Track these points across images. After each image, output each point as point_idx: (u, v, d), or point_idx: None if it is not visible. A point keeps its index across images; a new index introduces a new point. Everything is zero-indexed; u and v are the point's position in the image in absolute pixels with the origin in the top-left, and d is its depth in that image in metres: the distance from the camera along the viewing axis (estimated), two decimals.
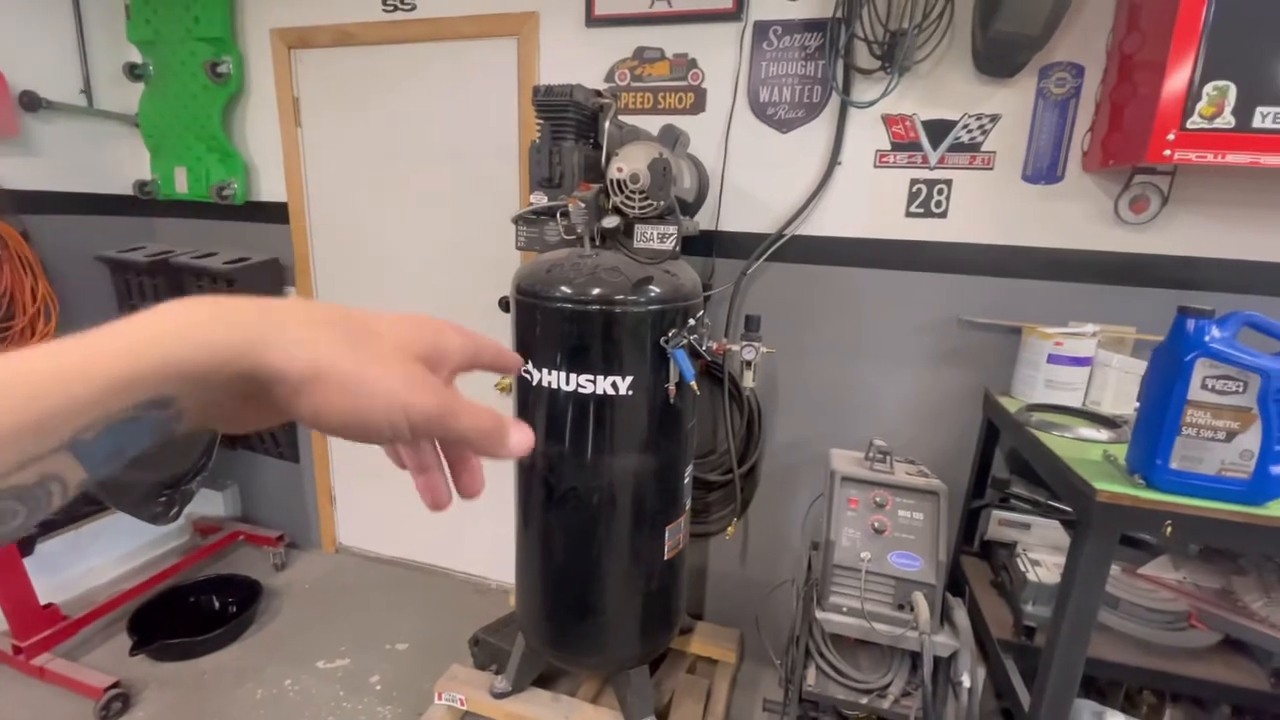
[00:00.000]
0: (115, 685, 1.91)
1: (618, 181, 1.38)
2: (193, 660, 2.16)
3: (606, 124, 1.46)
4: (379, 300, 2.51)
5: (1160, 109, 1.35)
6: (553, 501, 1.62)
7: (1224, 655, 1.37)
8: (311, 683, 2.09)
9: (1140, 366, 1.54)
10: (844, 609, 1.43)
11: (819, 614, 1.44)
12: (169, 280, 2.45)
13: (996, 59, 1.62)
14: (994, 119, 1.70)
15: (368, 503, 2.79)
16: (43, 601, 2.03)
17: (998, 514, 1.71)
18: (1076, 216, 1.69)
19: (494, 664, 1.99)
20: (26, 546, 2.14)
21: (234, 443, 2.75)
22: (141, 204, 2.65)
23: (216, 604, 2.43)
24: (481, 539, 2.61)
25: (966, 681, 1.29)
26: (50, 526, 2.30)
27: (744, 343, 1.59)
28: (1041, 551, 1.57)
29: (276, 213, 2.51)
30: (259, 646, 2.26)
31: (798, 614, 1.64)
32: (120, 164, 2.60)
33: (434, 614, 2.45)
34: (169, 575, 2.42)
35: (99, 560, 2.49)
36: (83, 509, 2.31)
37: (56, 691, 1.95)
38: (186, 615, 2.33)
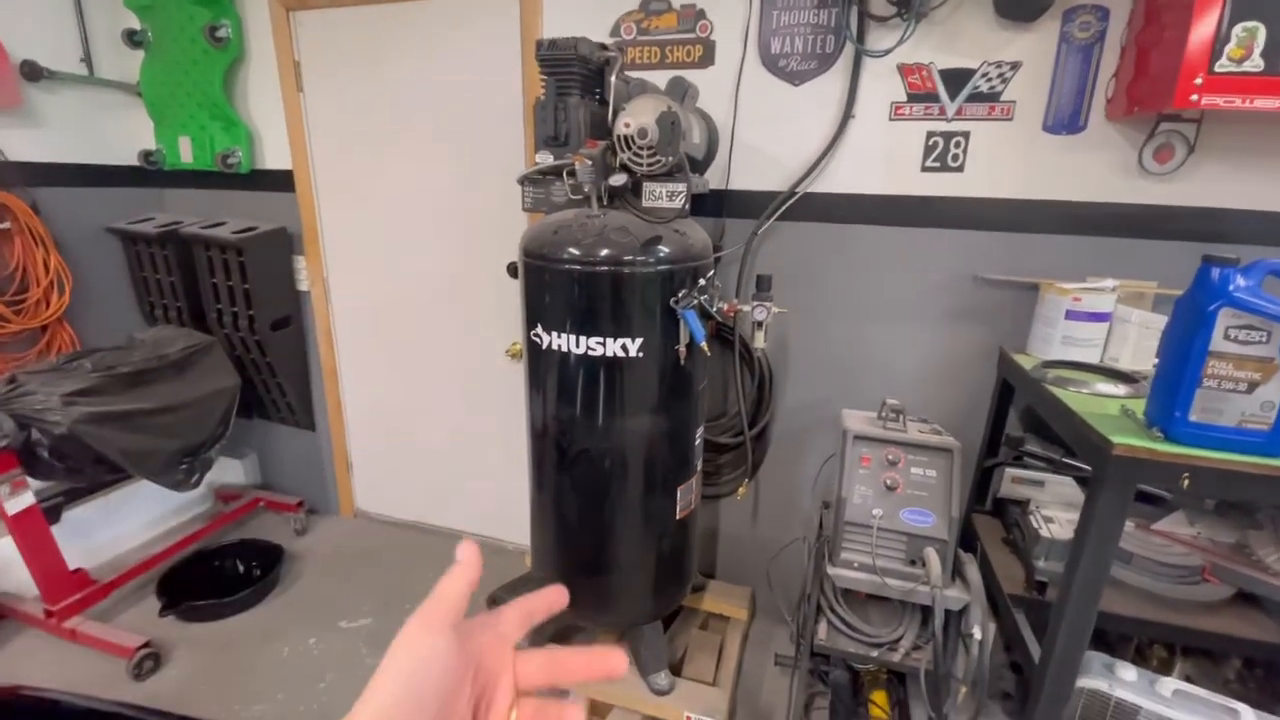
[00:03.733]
0: (146, 645, 1.98)
1: (625, 137, 1.35)
2: (220, 621, 2.23)
3: (612, 78, 1.42)
4: (389, 269, 2.50)
5: (1188, 52, 1.30)
6: (565, 464, 1.63)
7: (1236, 609, 1.37)
8: (335, 641, 2.15)
9: (1160, 322, 1.51)
10: (855, 565, 1.45)
11: (830, 570, 1.45)
12: (179, 251, 2.46)
13: (1018, 2, 1.56)
14: (1014, 67, 1.64)
15: (384, 469, 2.84)
16: (71, 567, 2.09)
17: (1011, 472, 1.70)
18: (1098, 168, 1.64)
19: None
20: (54, 515, 2.20)
21: (250, 412, 2.79)
22: (148, 174, 2.64)
23: (241, 568, 2.49)
24: (497, 501, 2.65)
25: (977, 634, 1.31)
26: (76, 495, 2.36)
27: (755, 303, 1.57)
28: (1054, 508, 1.56)
29: (282, 180, 2.49)
30: (283, 608, 2.32)
31: (809, 571, 1.66)
32: (125, 134, 2.58)
33: None
34: (194, 540, 2.48)
35: (125, 527, 2.56)
36: (107, 477, 2.36)
37: (89, 653, 2.02)
38: (212, 579, 2.40)
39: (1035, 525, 1.49)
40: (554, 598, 0.42)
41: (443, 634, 0.35)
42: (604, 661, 0.40)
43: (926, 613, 1.42)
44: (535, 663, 0.39)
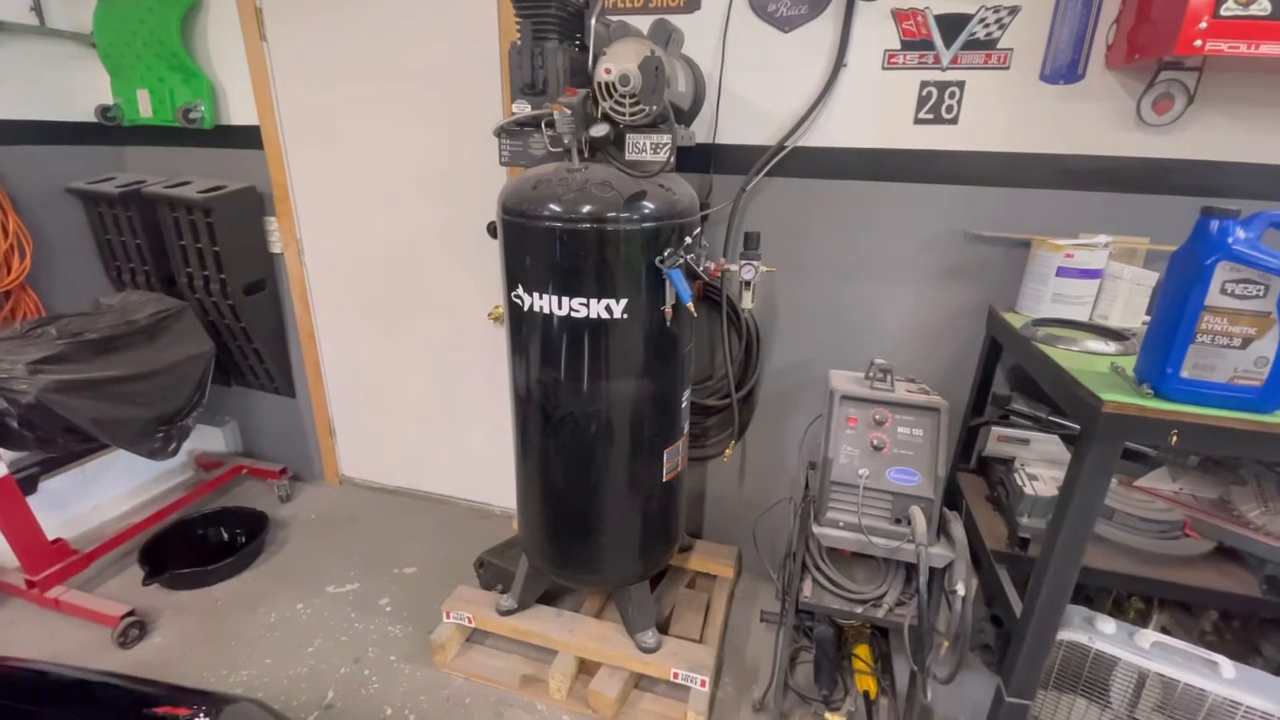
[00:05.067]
0: (131, 613, 1.97)
1: (606, 84, 1.28)
2: (205, 589, 2.22)
3: (593, 21, 1.34)
4: (365, 231, 2.42)
5: None
6: (550, 428, 1.60)
7: (1216, 563, 1.39)
8: (323, 606, 2.15)
9: (1152, 278, 1.49)
10: (841, 524, 1.44)
11: (816, 529, 1.45)
12: (143, 212, 2.35)
13: None
14: (1013, 11, 1.57)
15: (368, 435, 2.80)
16: (51, 537, 2.06)
17: (997, 430, 1.70)
18: (1096, 119, 1.59)
19: (499, 584, 2.04)
20: (29, 485, 2.15)
21: (228, 379, 2.72)
22: (107, 131, 2.51)
23: (225, 535, 2.47)
24: (482, 466, 2.64)
25: (961, 590, 1.31)
26: (52, 465, 2.31)
27: (743, 262, 1.53)
28: (1039, 466, 1.57)
29: (249, 137, 2.38)
30: (269, 574, 2.31)
31: (794, 530, 1.66)
32: (80, 88, 2.44)
33: (439, 540, 2.50)
34: (176, 509, 2.45)
35: (105, 496, 2.52)
36: (82, 447, 2.31)
37: (74, 622, 2.01)
38: (196, 547, 2.38)
39: (1020, 483, 1.50)
40: None
41: None
42: None
43: (911, 570, 1.43)
44: None
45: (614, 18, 1.51)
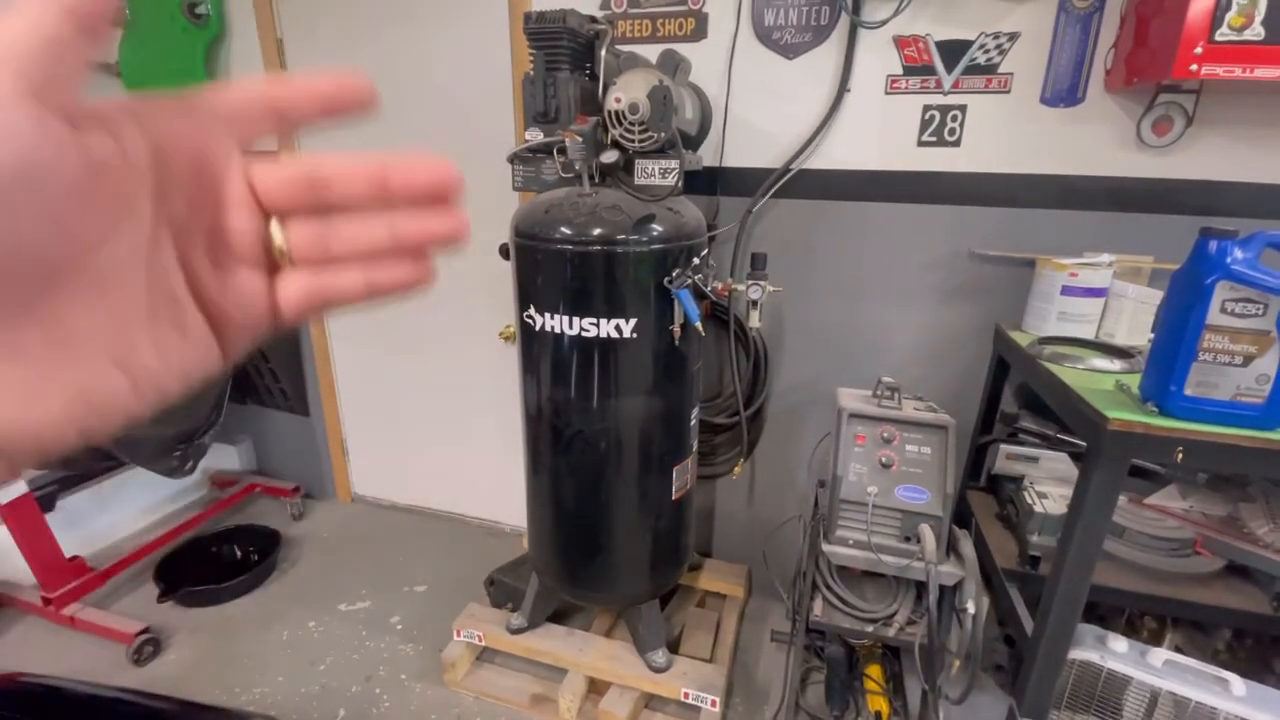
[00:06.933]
0: (145, 630, 1.99)
1: (616, 113, 1.32)
2: (219, 606, 2.23)
3: (603, 52, 1.39)
4: None
5: (1188, 20, 1.28)
6: (560, 446, 1.62)
7: (1227, 581, 1.38)
8: (335, 624, 2.16)
9: (1156, 296, 1.51)
10: (850, 542, 1.45)
11: (826, 547, 1.46)
12: None
13: None
14: (1012, 37, 1.61)
15: (380, 453, 2.83)
16: (68, 554, 2.09)
17: (1005, 448, 1.71)
18: (1096, 141, 1.62)
19: (509, 602, 2.04)
20: (48, 503, 2.19)
21: (244, 398, 2.77)
22: None
23: (238, 553, 2.49)
24: (493, 484, 2.65)
25: (971, 609, 1.32)
26: (70, 483, 2.35)
27: (750, 282, 1.56)
28: (1048, 484, 1.57)
29: None
30: (282, 592, 2.33)
31: (804, 548, 1.67)
32: None
33: (450, 557, 2.51)
34: (190, 527, 2.48)
35: (121, 514, 2.55)
36: (101, 465, 2.35)
37: (89, 639, 2.03)
38: (210, 564, 2.40)
39: (1029, 501, 1.50)
40: (334, 85, 0.25)
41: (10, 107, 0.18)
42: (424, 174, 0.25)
43: (921, 588, 1.43)
44: (288, 172, 0.25)
45: (623, 48, 1.56)
